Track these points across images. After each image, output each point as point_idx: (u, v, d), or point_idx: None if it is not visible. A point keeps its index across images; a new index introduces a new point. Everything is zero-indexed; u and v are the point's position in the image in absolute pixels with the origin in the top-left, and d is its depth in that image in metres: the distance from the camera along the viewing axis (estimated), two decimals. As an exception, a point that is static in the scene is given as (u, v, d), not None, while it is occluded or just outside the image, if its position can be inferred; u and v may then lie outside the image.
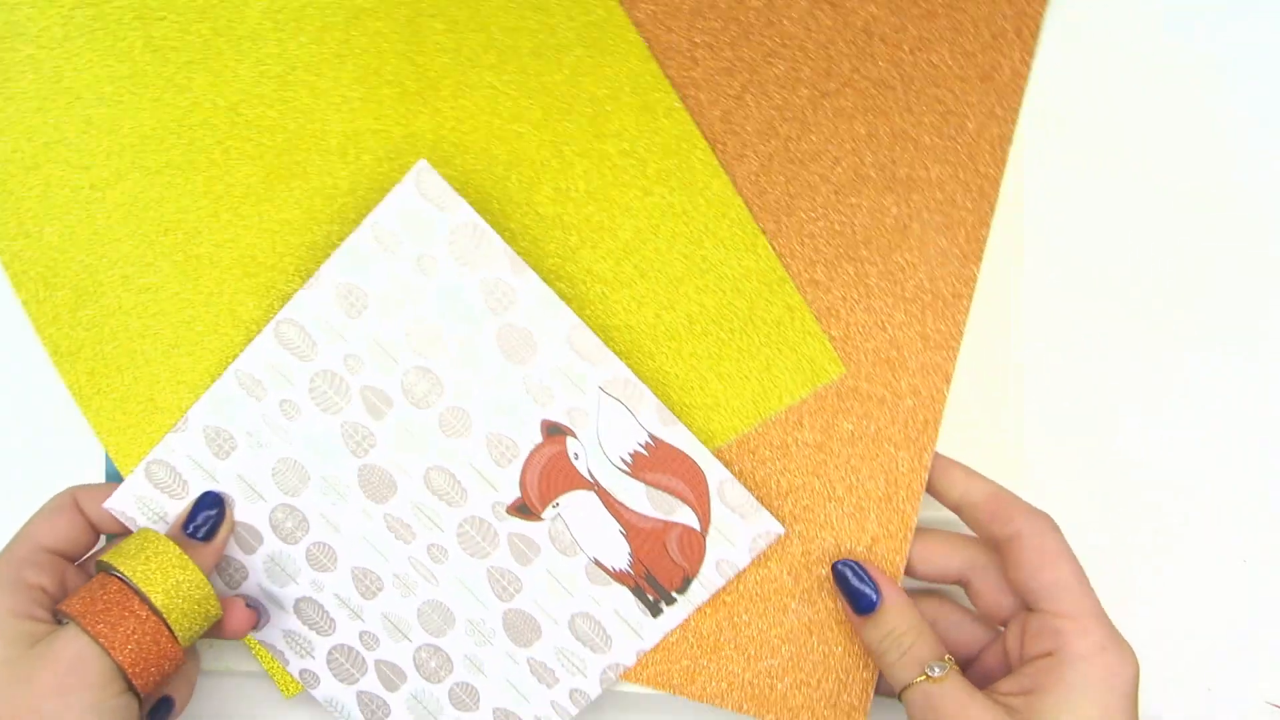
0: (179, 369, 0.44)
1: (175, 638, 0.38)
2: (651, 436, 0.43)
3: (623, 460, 0.43)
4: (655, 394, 0.43)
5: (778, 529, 0.43)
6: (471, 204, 0.44)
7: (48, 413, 0.45)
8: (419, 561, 0.44)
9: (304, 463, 0.43)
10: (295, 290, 0.44)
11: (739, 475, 0.44)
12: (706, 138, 0.44)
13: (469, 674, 0.44)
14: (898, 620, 0.40)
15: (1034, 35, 0.44)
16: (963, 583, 0.42)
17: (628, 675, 0.44)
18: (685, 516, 0.43)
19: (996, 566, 0.41)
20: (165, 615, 0.38)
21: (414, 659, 0.44)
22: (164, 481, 0.43)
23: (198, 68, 0.44)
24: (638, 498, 0.43)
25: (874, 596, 0.40)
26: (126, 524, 0.43)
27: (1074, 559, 0.39)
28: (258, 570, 0.44)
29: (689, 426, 0.43)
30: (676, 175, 0.44)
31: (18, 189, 0.44)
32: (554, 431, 0.43)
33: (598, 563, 0.43)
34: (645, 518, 0.43)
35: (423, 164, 0.42)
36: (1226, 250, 0.47)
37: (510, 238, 0.44)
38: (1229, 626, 0.46)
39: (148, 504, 0.43)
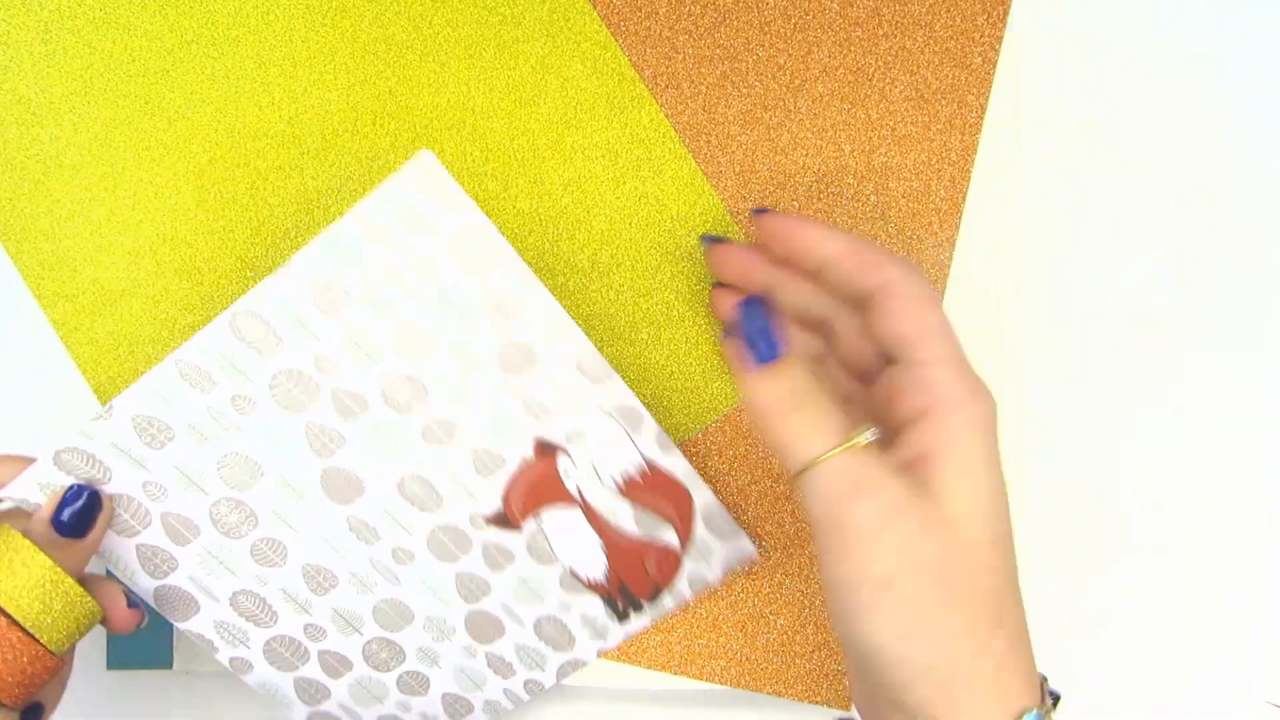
0: (185, 372, 0.46)
1: (48, 648, 0.36)
2: (648, 463, 0.43)
3: (614, 481, 0.43)
4: (638, 379, 0.44)
5: (751, 551, 0.44)
6: (449, 200, 0.45)
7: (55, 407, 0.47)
8: (381, 563, 0.43)
9: (258, 458, 0.42)
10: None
11: (733, 459, 0.45)
12: (689, 129, 0.44)
13: (421, 664, 0.44)
14: (803, 373, 0.33)
15: (1002, 20, 0.44)
16: (824, 328, 0.39)
17: (631, 658, 0.45)
18: (667, 536, 0.43)
19: (858, 316, 0.37)
20: (35, 632, 0.36)
21: (363, 650, 0.44)
22: (79, 468, 0.41)
23: (176, 77, 0.45)
24: (624, 518, 0.43)
25: (779, 344, 0.33)
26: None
27: (940, 308, 0.34)
28: (190, 562, 0.43)
29: (671, 409, 0.45)
30: (648, 164, 0.45)
31: (26, 205, 0.46)
32: (546, 449, 0.43)
33: (573, 573, 0.44)
34: (628, 536, 0.43)
35: (426, 154, 0.39)
36: (1225, 248, 0.46)
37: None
38: (1229, 626, 0.47)
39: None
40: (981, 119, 0.44)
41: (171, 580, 0.43)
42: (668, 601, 0.44)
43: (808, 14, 0.44)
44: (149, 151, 0.45)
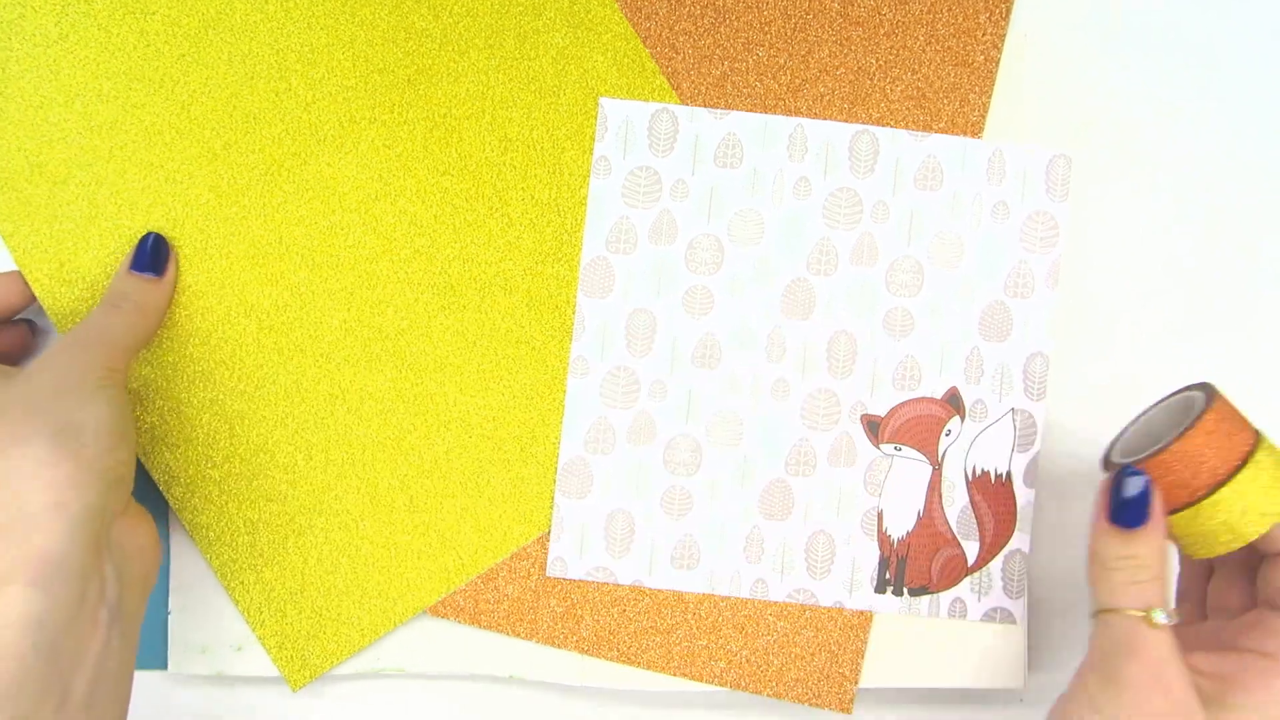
0: (194, 359, 0.46)
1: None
2: (1009, 475, 0.44)
3: (973, 467, 0.44)
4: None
5: (1015, 621, 0.45)
6: (466, 191, 0.45)
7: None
8: (762, 378, 0.44)
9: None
10: (304, 278, 0.45)
11: None
12: None
13: (701, 491, 0.45)
14: (1147, 551, 0.37)
15: (1004, 18, 0.44)
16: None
17: (631, 659, 0.45)
18: (969, 548, 0.44)
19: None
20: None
21: (665, 452, 0.45)
22: None
23: (191, 61, 0.45)
24: (954, 505, 0.44)
25: (1145, 515, 0.37)
26: None
27: None
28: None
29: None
30: (667, 156, 0.45)
31: (25, 188, 0.45)
32: (952, 402, 0.44)
33: (880, 515, 0.44)
34: (943, 523, 0.44)
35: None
36: (1229, 246, 0.46)
37: (508, 224, 0.45)
38: None
39: None
40: (984, 118, 0.44)
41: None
42: (922, 605, 0.44)
43: (808, 14, 0.44)
44: (161, 136, 0.45)
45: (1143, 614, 0.36)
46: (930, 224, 0.43)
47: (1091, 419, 0.45)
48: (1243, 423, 0.37)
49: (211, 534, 0.46)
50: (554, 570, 0.45)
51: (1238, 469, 0.36)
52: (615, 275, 0.45)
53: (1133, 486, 0.37)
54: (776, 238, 0.44)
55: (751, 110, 0.44)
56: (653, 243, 0.44)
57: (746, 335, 0.44)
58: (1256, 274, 0.46)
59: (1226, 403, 0.37)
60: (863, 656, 0.45)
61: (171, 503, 0.46)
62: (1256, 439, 0.36)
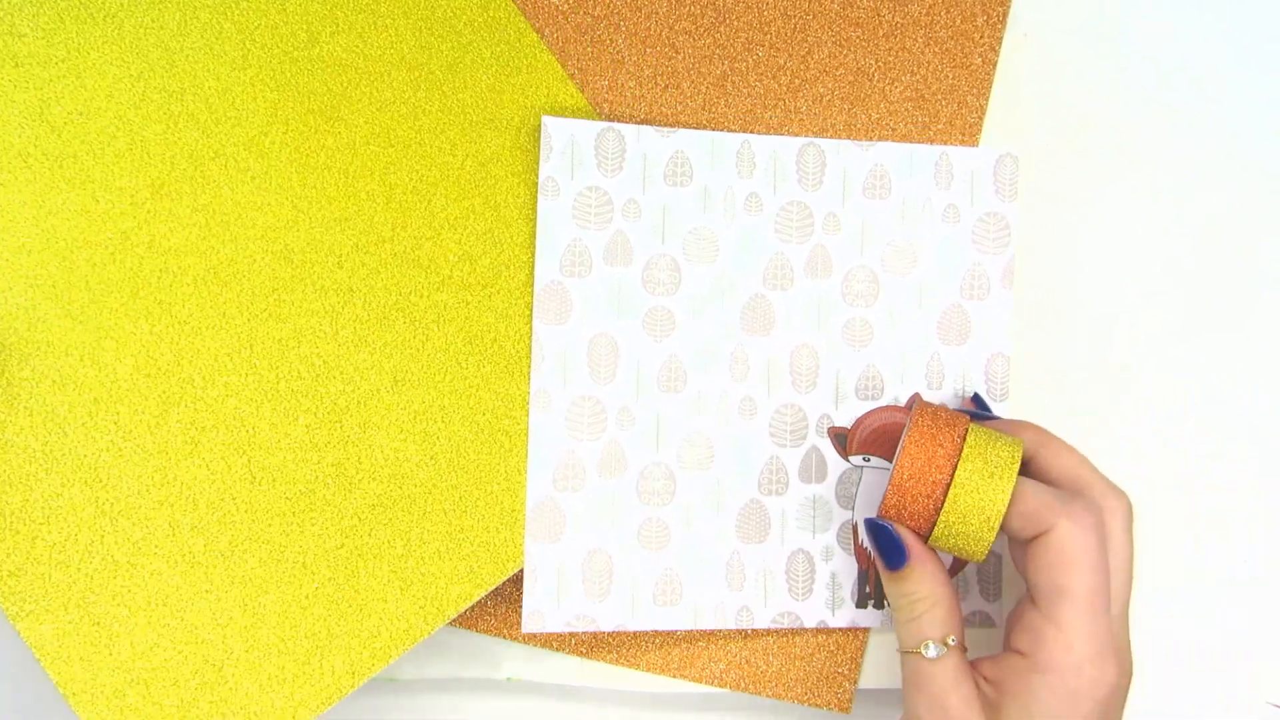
0: (43, 408, 0.37)
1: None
2: None
3: None
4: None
5: (995, 623, 0.44)
6: (393, 221, 0.41)
7: None
8: (730, 398, 0.42)
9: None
10: (193, 311, 0.39)
11: None
12: (691, 126, 0.44)
13: (676, 521, 0.42)
14: (918, 586, 0.37)
15: (1001, 21, 0.45)
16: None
17: (632, 661, 0.43)
18: (944, 555, 0.43)
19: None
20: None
21: (638, 483, 0.42)
22: None
23: (66, 85, 0.39)
24: None
25: (902, 556, 0.38)
26: None
27: (1096, 564, 0.36)
28: None
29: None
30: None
31: None
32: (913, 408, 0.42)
33: (855, 529, 0.43)
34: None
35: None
36: (1224, 248, 0.48)
37: (441, 253, 0.41)
38: (1229, 627, 0.46)
39: None
40: (981, 120, 0.45)
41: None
42: None
43: (808, 14, 0.44)
44: (25, 156, 0.38)
45: (913, 650, 0.37)
46: (882, 232, 0.44)
47: (1090, 421, 0.46)
48: (946, 424, 0.37)
49: (57, 643, 0.35)
50: (530, 625, 0.39)
51: (954, 472, 0.36)
52: (572, 300, 0.41)
53: (879, 533, 0.38)
54: (732, 255, 0.43)
55: (752, 110, 0.44)
56: (608, 264, 0.42)
57: (710, 355, 0.42)
58: (1255, 275, 0.48)
59: (925, 412, 0.38)
60: (862, 657, 0.44)
61: (5, 608, 0.35)
62: (963, 435, 0.37)
